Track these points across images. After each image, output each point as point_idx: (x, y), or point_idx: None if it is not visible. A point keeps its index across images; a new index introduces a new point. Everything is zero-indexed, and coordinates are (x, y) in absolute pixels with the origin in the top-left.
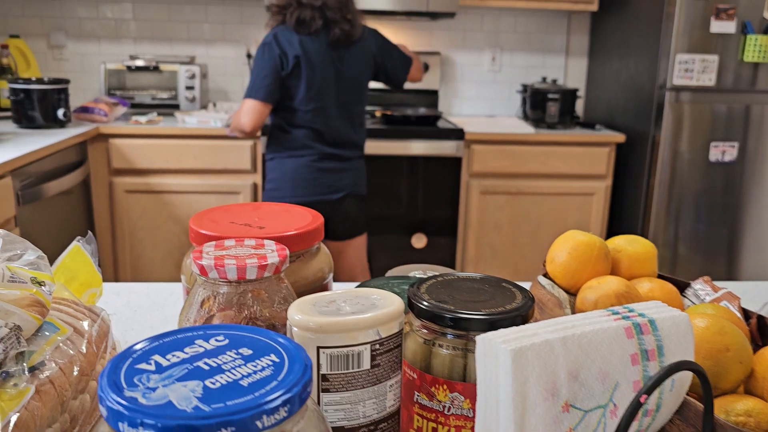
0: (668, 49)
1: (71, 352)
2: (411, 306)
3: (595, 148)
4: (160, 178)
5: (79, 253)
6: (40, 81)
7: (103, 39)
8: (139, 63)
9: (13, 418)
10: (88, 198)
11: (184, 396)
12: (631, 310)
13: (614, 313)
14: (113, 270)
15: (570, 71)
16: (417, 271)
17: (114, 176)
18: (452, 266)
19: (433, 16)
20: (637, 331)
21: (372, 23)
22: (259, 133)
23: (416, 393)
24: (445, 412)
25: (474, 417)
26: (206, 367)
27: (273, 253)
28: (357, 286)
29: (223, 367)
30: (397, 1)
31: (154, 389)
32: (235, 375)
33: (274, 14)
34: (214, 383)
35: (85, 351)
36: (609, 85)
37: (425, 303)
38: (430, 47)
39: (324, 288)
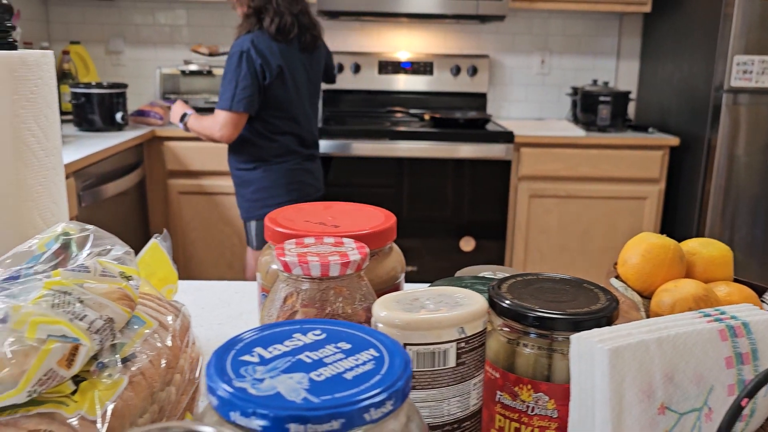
0: (726, 50)
1: (158, 345)
2: (493, 305)
3: (648, 151)
4: (212, 179)
5: (157, 249)
6: (99, 85)
7: (158, 44)
8: (193, 67)
9: (110, 408)
10: (144, 199)
11: (292, 388)
12: (722, 313)
13: (706, 315)
14: None
15: (621, 74)
16: (487, 272)
17: (169, 178)
18: None
19: (483, 19)
20: (731, 333)
21: (420, 27)
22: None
23: (498, 392)
24: (529, 412)
25: (558, 418)
26: (308, 360)
27: (354, 251)
28: (429, 286)
29: (324, 360)
30: (447, 4)
31: (261, 380)
32: (338, 368)
33: (248, 15)
34: (318, 376)
35: (170, 345)
36: (662, 88)
37: (507, 302)
38: (478, 50)
39: (396, 288)
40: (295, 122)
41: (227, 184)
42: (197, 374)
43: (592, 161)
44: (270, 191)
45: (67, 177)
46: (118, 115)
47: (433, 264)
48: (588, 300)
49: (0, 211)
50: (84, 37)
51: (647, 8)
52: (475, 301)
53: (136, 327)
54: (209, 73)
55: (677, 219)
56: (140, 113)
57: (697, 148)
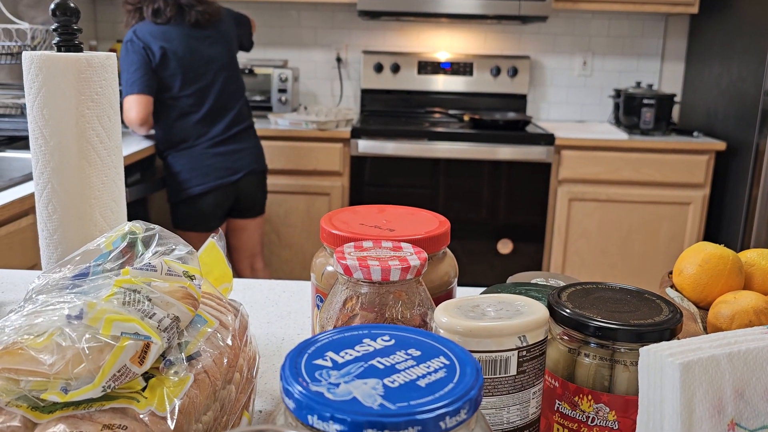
0: None
1: (220, 344)
2: (553, 313)
3: (693, 156)
4: None
5: (214, 249)
6: None
7: None
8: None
9: (178, 404)
10: None
11: (368, 393)
12: None
13: None
14: None
15: (665, 76)
16: (539, 278)
17: None
18: None
19: (524, 19)
20: None
21: (460, 28)
22: (348, 135)
23: (557, 401)
24: (589, 422)
25: (619, 430)
26: (381, 366)
27: (413, 256)
28: (482, 292)
29: (397, 366)
30: (488, 5)
31: (336, 385)
32: (411, 375)
33: (130, 12)
34: (392, 382)
35: (231, 344)
36: (708, 91)
37: (568, 311)
38: (519, 51)
39: (449, 293)
40: (197, 101)
41: (269, 181)
42: (255, 372)
43: (634, 165)
44: (180, 176)
45: None
46: None
47: (470, 266)
48: (651, 311)
49: (64, 208)
50: None
51: (694, 9)
52: (536, 310)
53: (199, 326)
54: (251, 72)
55: (722, 226)
56: None
57: (745, 153)
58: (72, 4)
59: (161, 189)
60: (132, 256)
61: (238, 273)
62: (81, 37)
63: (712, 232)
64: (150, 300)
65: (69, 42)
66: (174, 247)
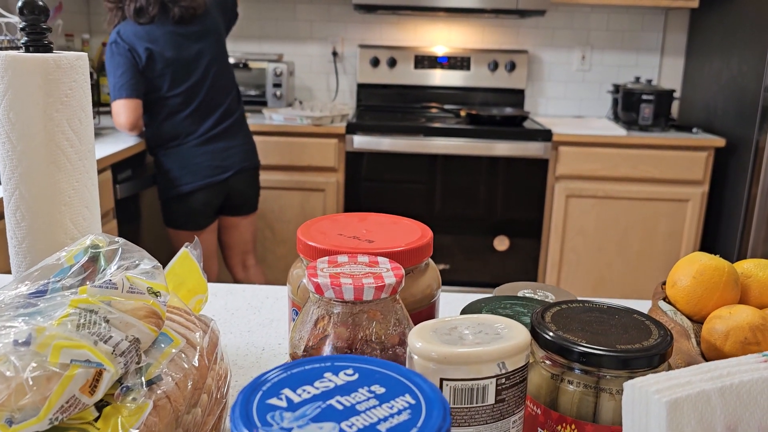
0: None
1: (185, 365)
2: (535, 336)
3: (692, 152)
4: None
5: (187, 259)
6: None
7: None
8: (231, 60)
9: None
10: None
11: None
12: None
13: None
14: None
15: (665, 71)
16: (526, 290)
17: None
18: (535, 271)
19: (522, 14)
20: None
21: (457, 22)
22: (343, 131)
23: (540, 429)
24: None
25: None
26: (340, 407)
27: (389, 273)
28: (465, 307)
29: (357, 407)
30: None
31: (289, 430)
32: (371, 418)
33: (112, 10)
34: (350, 426)
35: (197, 364)
36: (708, 86)
37: (551, 333)
38: (517, 45)
39: (432, 307)
40: (186, 99)
41: (261, 177)
42: (225, 391)
43: (632, 161)
44: (169, 176)
45: (104, 170)
46: None
47: (466, 263)
48: (639, 334)
49: (33, 216)
50: None
51: (695, 3)
52: (517, 333)
53: (162, 346)
54: (245, 66)
55: (720, 223)
56: None
57: (744, 150)
58: (41, 2)
59: (152, 185)
60: (94, 271)
61: (230, 270)
62: (74, 30)
63: (710, 230)
64: (107, 321)
65: (38, 42)
66: (139, 261)
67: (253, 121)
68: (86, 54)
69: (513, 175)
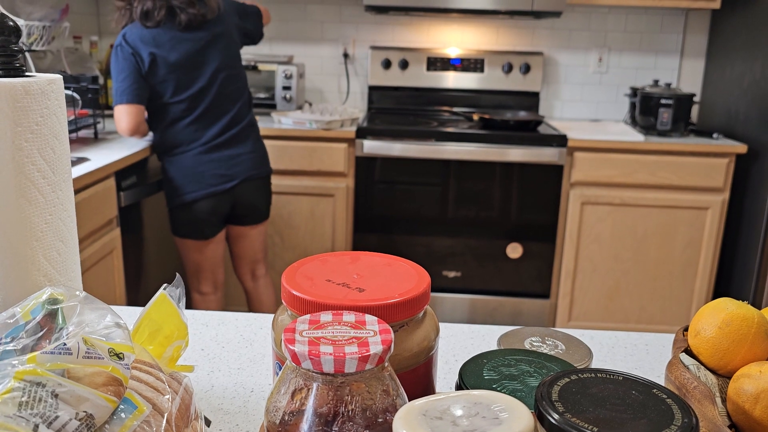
0: None
1: None
2: (541, 418)
3: (712, 158)
4: None
5: (164, 302)
6: None
7: None
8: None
9: None
10: None
11: None
12: None
13: None
14: None
15: (684, 74)
16: (534, 337)
17: None
18: (549, 279)
19: (538, 15)
20: None
21: (471, 23)
22: (353, 135)
23: None
24: None
25: None
26: None
27: (376, 339)
28: (466, 363)
29: None
30: (501, 0)
31: None
32: None
33: (120, 10)
34: None
35: None
36: (730, 90)
37: (557, 417)
38: (532, 47)
39: (429, 361)
40: (190, 105)
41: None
42: None
43: (650, 168)
44: (172, 183)
45: (106, 177)
46: None
47: (477, 270)
48: (659, 418)
49: (2, 252)
50: None
51: (716, 4)
52: (519, 418)
53: (123, 416)
54: (255, 68)
55: (741, 231)
56: None
57: (767, 156)
58: (11, 22)
59: (158, 192)
60: (51, 330)
61: (239, 279)
62: (83, 32)
63: (730, 239)
64: (56, 396)
65: (8, 65)
66: (101, 318)
67: (261, 125)
68: (60, 77)
69: (527, 181)
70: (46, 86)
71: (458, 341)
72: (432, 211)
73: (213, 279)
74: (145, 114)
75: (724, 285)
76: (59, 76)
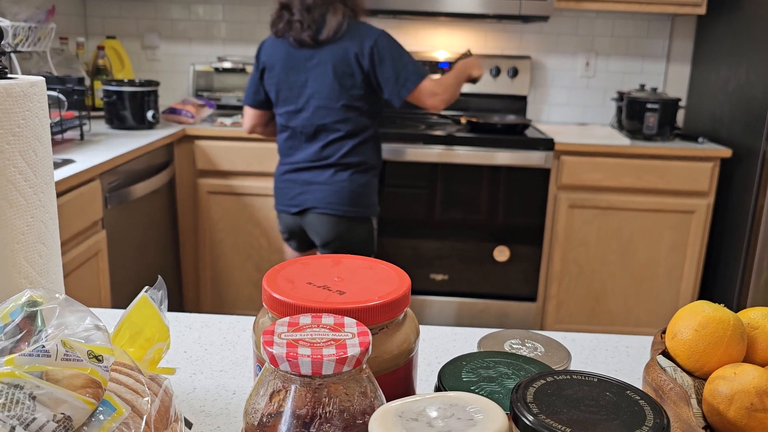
0: None
1: None
2: (515, 418)
3: (698, 163)
4: (242, 180)
5: (146, 305)
6: (131, 83)
7: (194, 40)
8: (227, 65)
9: None
10: (174, 198)
11: None
12: None
13: None
14: (194, 270)
15: (671, 78)
16: (514, 339)
17: (198, 177)
18: (535, 282)
19: (525, 19)
20: None
21: (459, 27)
22: None
23: None
24: None
25: None
26: None
27: (353, 340)
28: (446, 365)
29: None
30: (488, 4)
31: None
32: None
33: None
34: None
35: None
36: (715, 95)
37: (532, 418)
38: (520, 51)
39: (410, 363)
40: (286, 120)
41: (257, 184)
42: None
43: (636, 172)
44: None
45: (92, 179)
46: (149, 114)
47: (464, 273)
48: (631, 419)
49: None
50: (120, 32)
51: (702, 10)
52: (493, 419)
53: (102, 418)
54: (242, 70)
55: (726, 235)
56: (172, 111)
57: (751, 160)
58: None
59: (143, 194)
60: (30, 332)
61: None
62: (69, 33)
63: (715, 242)
64: (34, 398)
65: None
66: (81, 321)
67: None
68: (42, 79)
69: (514, 184)
70: (29, 88)
71: (441, 344)
72: (419, 214)
73: None
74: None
75: (709, 288)
76: (41, 79)
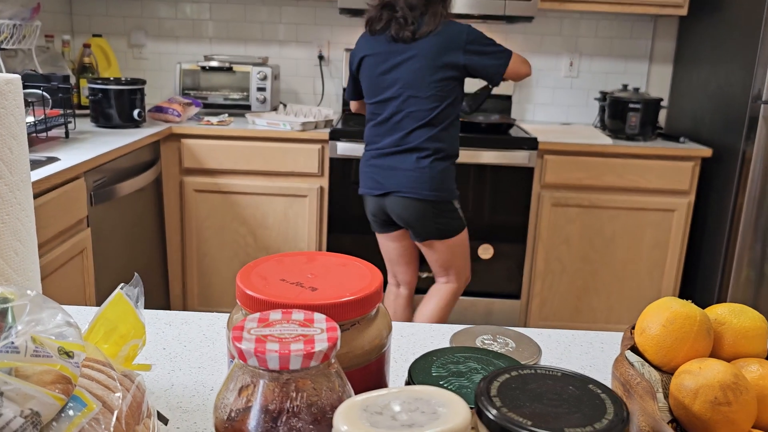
0: (766, 58)
1: None
2: (480, 413)
3: (679, 162)
4: (228, 178)
5: (120, 302)
6: (117, 81)
7: (180, 39)
8: (213, 64)
9: None
10: (160, 196)
11: None
12: None
13: None
14: (181, 268)
15: (653, 79)
16: (485, 335)
17: (184, 175)
18: (519, 279)
19: (510, 19)
20: None
21: None
22: (327, 137)
23: None
24: None
25: None
26: None
27: (322, 336)
28: (416, 360)
29: None
30: (473, 4)
31: None
32: None
33: (364, 15)
34: None
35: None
36: (696, 95)
37: (495, 411)
38: None
39: (382, 358)
40: (375, 112)
41: (243, 183)
42: None
43: (618, 171)
44: (359, 175)
45: (77, 177)
46: (135, 112)
47: None
48: (592, 411)
49: None
50: (107, 30)
51: (683, 11)
52: (456, 413)
53: (72, 414)
54: (229, 69)
55: (706, 233)
56: (158, 109)
57: (731, 160)
58: None
59: (129, 192)
60: (1, 328)
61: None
62: (56, 31)
63: (696, 240)
64: (1, 394)
65: None
66: (52, 317)
67: (236, 126)
68: (18, 77)
69: (498, 183)
70: (4, 86)
71: (418, 339)
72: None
73: (393, 272)
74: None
75: (689, 285)
76: (17, 76)
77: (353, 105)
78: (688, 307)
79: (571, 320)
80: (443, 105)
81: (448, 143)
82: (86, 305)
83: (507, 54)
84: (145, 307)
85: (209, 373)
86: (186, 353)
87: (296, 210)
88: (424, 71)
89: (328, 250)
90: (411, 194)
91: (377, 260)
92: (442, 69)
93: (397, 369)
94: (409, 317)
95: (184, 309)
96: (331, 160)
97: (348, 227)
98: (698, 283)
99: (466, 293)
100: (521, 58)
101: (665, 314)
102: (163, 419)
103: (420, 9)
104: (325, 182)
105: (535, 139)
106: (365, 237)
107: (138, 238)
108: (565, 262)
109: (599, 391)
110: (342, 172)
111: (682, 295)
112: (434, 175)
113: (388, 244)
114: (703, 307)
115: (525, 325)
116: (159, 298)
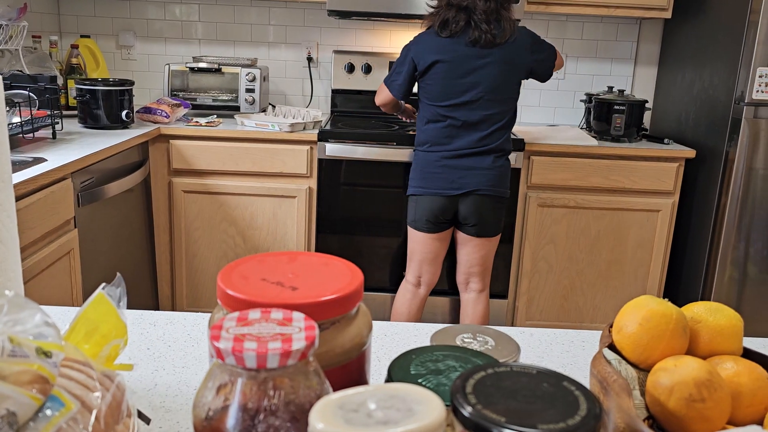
0: (749, 61)
1: None
2: (455, 410)
3: (663, 163)
4: (217, 179)
5: (102, 302)
6: (105, 82)
7: (169, 40)
8: (202, 65)
9: None
10: (148, 197)
11: None
12: None
13: None
14: (169, 269)
15: (638, 81)
16: (465, 334)
17: (173, 176)
18: (506, 279)
19: None
20: None
21: None
22: (315, 138)
23: None
24: None
25: None
26: None
27: (300, 334)
28: (396, 359)
29: None
30: None
31: None
32: None
33: (427, 16)
34: None
35: (90, 431)
36: (680, 97)
37: (470, 409)
38: None
39: (363, 356)
40: (446, 115)
41: (232, 183)
42: None
43: (603, 172)
44: (414, 175)
45: (64, 178)
46: (124, 113)
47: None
48: (566, 408)
49: None
50: (95, 31)
51: (668, 14)
52: (431, 410)
53: (49, 414)
54: (218, 70)
55: (690, 233)
56: (147, 110)
57: (714, 161)
58: None
59: (121, 193)
60: None
61: (458, 286)
62: (43, 31)
63: (680, 240)
64: None
65: None
66: (31, 318)
67: (224, 127)
68: (0, 78)
69: None
70: None
71: (401, 339)
72: (394, 213)
73: (418, 271)
74: (402, 104)
75: (674, 284)
76: None
77: (385, 101)
78: (664, 305)
79: (558, 319)
80: (513, 107)
81: (510, 142)
82: (73, 306)
83: (553, 49)
84: (134, 309)
85: (193, 373)
86: (170, 353)
87: (285, 211)
88: (504, 76)
89: (317, 250)
90: (491, 192)
91: (364, 261)
92: (517, 73)
93: (379, 368)
94: (420, 317)
95: (173, 310)
96: (320, 161)
97: (336, 228)
98: (682, 282)
99: (454, 293)
100: (559, 54)
101: (642, 312)
102: (145, 419)
103: (495, 14)
104: (313, 183)
105: (522, 141)
106: (353, 237)
107: (126, 239)
108: (551, 262)
109: (573, 388)
110: (330, 172)
111: (667, 294)
112: (504, 173)
113: (433, 243)
114: None
115: (512, 325)
116: (148, 299)
